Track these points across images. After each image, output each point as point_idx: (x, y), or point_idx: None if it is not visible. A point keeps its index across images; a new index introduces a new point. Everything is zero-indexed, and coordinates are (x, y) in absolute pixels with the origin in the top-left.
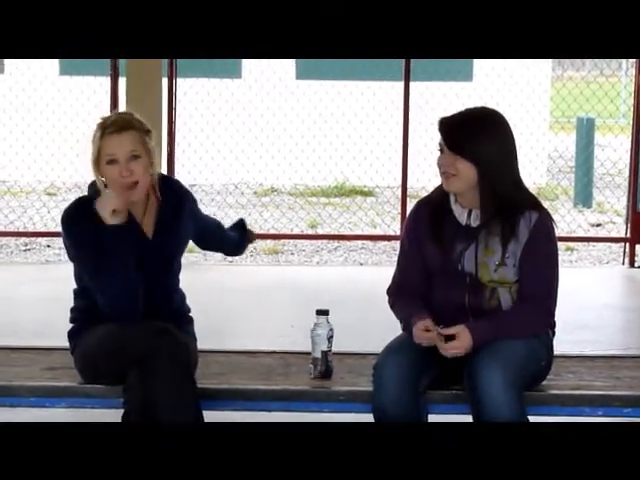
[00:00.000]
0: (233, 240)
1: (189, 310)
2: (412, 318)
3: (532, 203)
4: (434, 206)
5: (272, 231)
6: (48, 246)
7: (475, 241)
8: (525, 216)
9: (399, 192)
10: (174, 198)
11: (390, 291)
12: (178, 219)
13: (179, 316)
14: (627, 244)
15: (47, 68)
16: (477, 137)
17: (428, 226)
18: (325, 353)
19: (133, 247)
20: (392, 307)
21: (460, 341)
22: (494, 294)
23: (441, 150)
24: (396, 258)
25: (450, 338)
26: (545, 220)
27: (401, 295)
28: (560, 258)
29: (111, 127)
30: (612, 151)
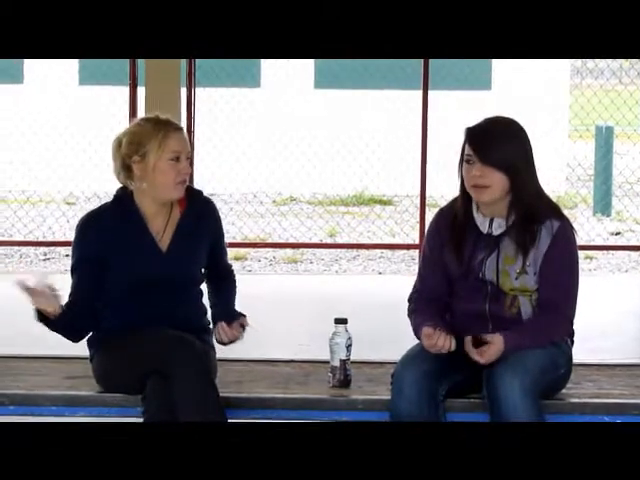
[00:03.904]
0: (222, 299)
1: (209, 323)
2: (422, 326)
3: (554, 211)
4: (455, 214)
5: (291, 240)
6: (67, 255)
7: (496, 249)
8: (547, 224)
9: (418, 201)
10: (197, 215)
11: (410, 299)
12: (196, 238)
13: (198, 329)
14: None
15: (66, 78)
16: (508, 148)
17: (449, 234)
18: (344, 362)
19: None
20: (409, 315)
21: (493, 351)
22: (514, 302)
23: (468, 161)
24: (415, 267)
25: (479, 343)
26: (567, 229)
27: (419, 303)
28: (579, 266)
29: (171, 125)
30: (631, 159)
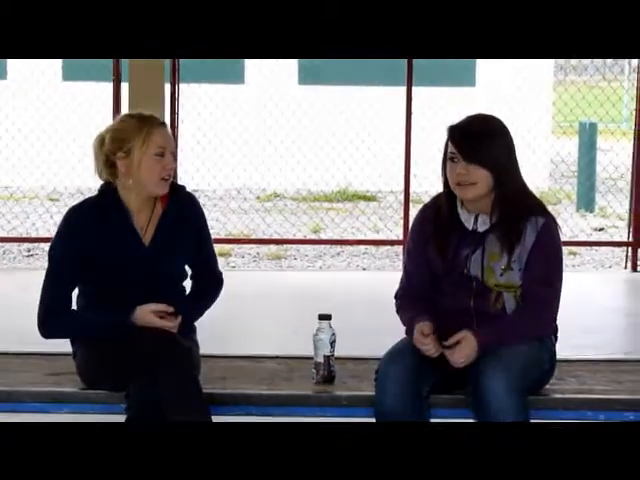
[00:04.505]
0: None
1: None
2: (413, 321)
3: (538, 208)
4: (440, 210)
5: (275, 236)
6: None
7: (481, 246)
8: (532, 221)
9: (402, 197)
10: (179, 209)
11: (397, 295)
12: (178, 232)
13: (181, 326)
14: (629, 248)
15: (50, 74)
16: (492, 145)
17: (433, 230)
18: (328, 358)
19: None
20: (397, 311)
21: (466, 347)
22: (499, 298)
23: (452, 159)
24: (399, 263)
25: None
26: (551, 225)
27: (406, 299)
28: (563, 262)
29: (155, 120)
30: (614, 155)
